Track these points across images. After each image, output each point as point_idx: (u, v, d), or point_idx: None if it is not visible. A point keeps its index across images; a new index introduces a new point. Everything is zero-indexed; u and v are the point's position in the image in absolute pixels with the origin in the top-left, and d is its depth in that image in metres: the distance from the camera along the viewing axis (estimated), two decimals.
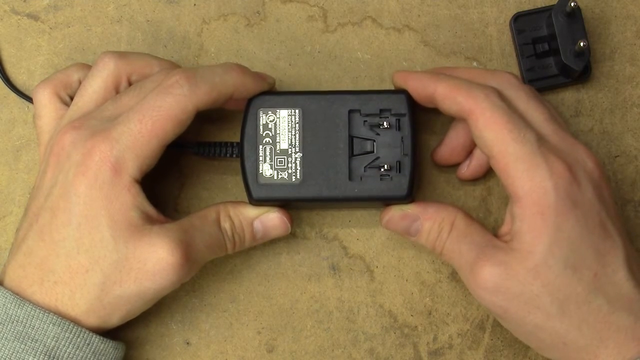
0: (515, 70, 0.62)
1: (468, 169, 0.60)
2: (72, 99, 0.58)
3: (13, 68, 0.63)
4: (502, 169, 0.53)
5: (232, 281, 0.61)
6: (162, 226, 0.54)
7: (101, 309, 0.53)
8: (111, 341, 0.55)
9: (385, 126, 0.57)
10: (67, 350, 0.53)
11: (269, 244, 0.61)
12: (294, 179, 0.56)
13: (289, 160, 0.56)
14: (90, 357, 0.53)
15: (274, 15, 0.63)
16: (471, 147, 0.59)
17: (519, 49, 0.62)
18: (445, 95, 0.54)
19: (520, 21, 0.62)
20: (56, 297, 0.53)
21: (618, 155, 0.62)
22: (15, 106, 0.63)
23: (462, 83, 0.54)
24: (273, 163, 0.56)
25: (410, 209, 0.57)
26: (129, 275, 0.53)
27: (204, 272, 0.61)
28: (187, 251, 0.53)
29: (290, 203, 0.58)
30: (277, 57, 0.63)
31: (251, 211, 0.58)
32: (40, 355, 0.52)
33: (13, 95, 0.62)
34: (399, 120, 0.57)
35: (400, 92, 0.57)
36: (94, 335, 0.53)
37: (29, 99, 0.62)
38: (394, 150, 0.57)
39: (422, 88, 0.55)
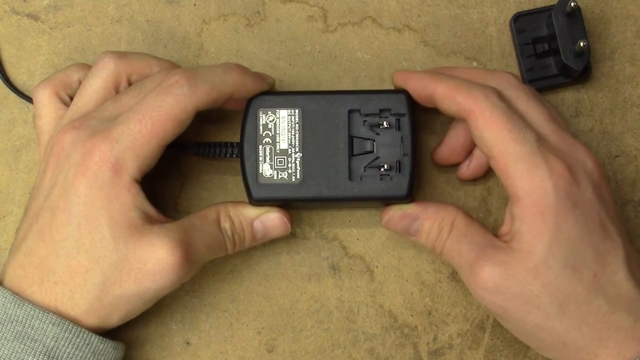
0: (515, 70, 0.62)
1: (468, 169, 0.60)
2: (72, 99, 0.58)
3: (13, 68, 0.63)
4: (501, 169, 0.53)
5: (232, 281, 0.61)
6: (162, 226, 0.54)
7: (101, 309, 0.53)
8: (111, 341, 0.55)
9: (385, 126, 0.57)
10: (67, 350, 0.53)
11: (269, 244, 0.61)
12: (293, 179, 0.56)
13: (289, 160, 0.56)
14: (90, 357, 0.53)
15: (274, 15, 0.63)
16: (471, 147, 0.59)
17: (519, 49, 0.62)
18: (445, 95, 0.54)
19: (520, 21, 0.62)
20: (56, 297, 0.53)
21: (618, 155, 0.62)
22: (15, 106, 0.63)
23: (461, 83, 0.54)
24: (273, 163, 0.56)
25: (410, 208, 0.57)
26: (128, 275, 0.53)
27: (204, 272, 0.61)
28: (187, 251, 0.53)
29: (290, 203, 0.58)
30: (277, 57, 0.63)
31: (251, 211, 0.58)
32: (39, 355, 0.52)
33: (13, 95, 0.63)
34: (398, 120, 0.57)
35: (400, 91, 0.57)
36: (94, 335, 0.53)
37: (28, 99, 0.62)
38: (394, 150, 0.57)
39: (422, 88, 0.55)
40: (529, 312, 0.52)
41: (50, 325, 0.52)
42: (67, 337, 0.53)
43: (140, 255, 0.53)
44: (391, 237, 0.62)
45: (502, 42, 0.63)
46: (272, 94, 0.57)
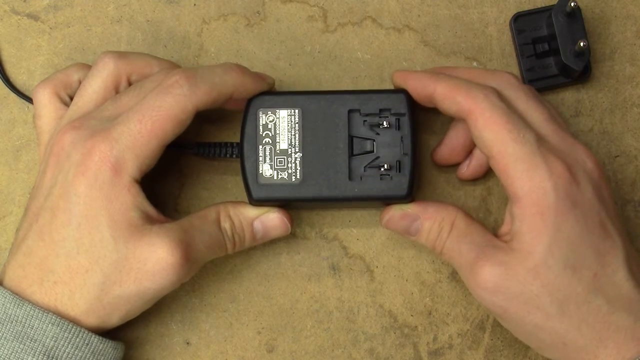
0: (515, 70, 0.62)
1: (468, 169, 0.60)
2: (72, 99, 0.58)
3: (13, 68, 0.63)
4: (501, 169, 0.53)
5: (232, 281, 0.61)
6: (162, 226, 0.54)
7: (101, 309, 0.53)
8: (110, 341, 0.55)
9: (385, 126, 0.57)
10: (66, 350, 0.53)
11: (269, 244, 0.61)
12: (293, 179, 0.56)
13: (289, 160, 0.56)
14: (89, 357, 0.53)
15: (274, 15, 0.63)
16: (471, 147, 0.59)
17: (519, 49, 0.62)
18: (445, 95, 0.54)
19: (520, 21, 0.62)
20: (56, 297, 0.53)
21: (618, 155, 0.62)
22: (15, 106, 0.63)
23: (461, 83, 0.54)
24: (273, 163, 0.56)
25: (410, 208, 0.57)
26: (128, 275, 0.53)
27: (204, 272, 0.61)
28: (186, 251, 0.53)
29: (290, 203, 0.58)
30: (277, 57, 0.63)
31: (251, 211, 0.58)
32: (39, 355, 0.52)
33: (13, 95, 0.63)
34: (398, 119, 0.57)
35: (400, 91, 0.57)
36: (93, 335, 0.53)
37: (28, 99, 0.62)
38: (394, 149, 0.57)
39: (422, 88, 0.55)
40: (528, 312, 0.52)
41: (49, 325, 0.52)
42: (67, 337, 0.53)
43: (140, 255, 0.52)
44: (391, 237, 0.62)
45: (502, 42, 0.63)
46: (272, 94, 0.57)
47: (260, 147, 0.56)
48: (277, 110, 0.56)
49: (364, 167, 0.56)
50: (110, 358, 0.55)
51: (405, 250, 0.62)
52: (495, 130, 0.52)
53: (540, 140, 0.53)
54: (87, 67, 0.59)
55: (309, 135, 0.56)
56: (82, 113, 0.56)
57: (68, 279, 0.53)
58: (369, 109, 0.56)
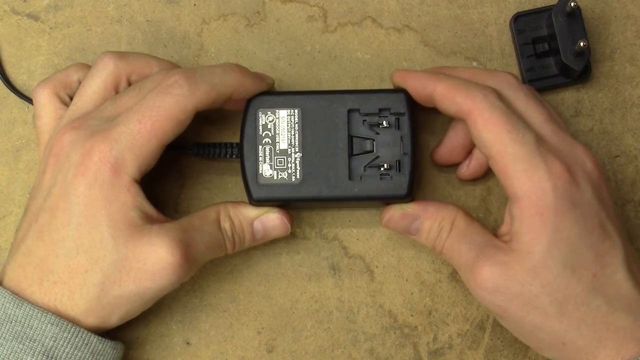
0: (515, 70, 0.62)
1: (468, 168, 0.60)
2: (71, 99, 0.58)
3: (13, 68, 0.63)
4: (500, 169, 0.53)
5: (232, 281, 0.61)
6: (162, 226, 0.54)
7: (100, 309, 0.53)
8: (109, 341, 0.55)
9: (385, 125, 0.56)
10: (66, 350, 0.53)
11: (269, 244, 0.61)
12: (293, 179, 0.56)
13: (289, 160, 0.56)
14: (89, 357, 0.53)
15: (274, 15, 0.63)
16: (471, 147, 0.59)
17: (519, 49, 0.62)
18: (444, 95, 0.54)
19: (520, 21, 0.62)
20: (55, 297, 0.53)
21: (618, 155, 0.62)
22: (15, 106, 0.63)
23: (460, 83, 0.54)
24: (273, 163, 0.56)
25: (411, 207, 0.57)
26: (128, 275, 0.53)
27: (204, 272, 0.61)
28: (186, 251, 0.53)
29: (290, 203, 0.58)
30: (277, 57, 0.63)
31: (251, 211, 0.58)
32: (38, 355, 0.52)
33: (13, 95, 0.63)
34: (398, 119, 0.57)
35: (400, 91, 0.57)
36: (93, 335, 0.53)
37: (28, 99, 0.62)
38: (394, 149, 0.57)
39: (421, 88, 0.55)
40: (528, 312, 0.52)
41: (49, 325, 0.52)
42: (66, 337, 0.53)
43: (140, 255, 0.53)
44: (391, 237, 0.62)
45: (502, 42, 0.63)
46: (272, 94, 0.57)
47: (260, 147, 0.56)
48: (277, 110, 0.56)
49: (364, 166, 0.56)
50: (110, 358, 0.55)
51: (405, 250, 0.62)
52: (494, 130, 0.52)
53: (539, 141, 0.53)
54: (87, 67, 0.59)
55: (309, 135, 0.56)
56: (82, 113, 0.56)
57: (67, 278, 0.53)
58: (368, 108, 0.56)
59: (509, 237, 0.54)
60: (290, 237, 0.61)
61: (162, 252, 0.52)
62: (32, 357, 0.52)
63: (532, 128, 0.53)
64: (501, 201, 0.62)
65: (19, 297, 0.53)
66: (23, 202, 0.62)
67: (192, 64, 0.63)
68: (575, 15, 0.59)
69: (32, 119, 0.62)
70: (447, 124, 0.60)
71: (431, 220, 0.57)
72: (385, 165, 0.56)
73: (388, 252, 0.62)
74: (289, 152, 0.56)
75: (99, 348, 0.54)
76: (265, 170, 0.56)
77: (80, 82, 0.58)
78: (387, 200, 0.58)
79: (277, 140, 0.56)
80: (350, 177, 0.56)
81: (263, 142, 0.56)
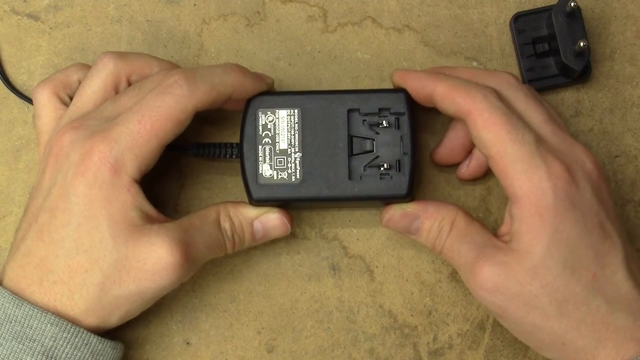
0: (515, 70, 0.62)
1: (467, 168, 0.60)
2: (71, 99, 0.58)
3: (13, 68, 0.63)
4: (500, 169, 0.53)
5: (232, 281, 0.61)
6: (162, 225, 0.54)
7: (100, 309, 0.53)
8: (109, 341, 0.55)
9: (385, 125, 0.56)
10: (65, 351, 0.53)
11: (269, 244, 0.61)
12: (293, 179, 0.56)
13: (289, 160, 0.56)
14: (88, 357, 0.53)
15: (274, 15, 0.63)
16: (470, 147, 0.59)
17: (519, 49, 0.62)
18: (444, 95, 0.54)
19: (520, 21, 0.62)
20: (55, 297, 0.53)
21: (618, 155, 0.62)
22: (15, 106, 0.63)
23: (460, 83, 0.54)
24: (273, 163, 0.56)
25: (411, 207, 0.57)
26: (128, 275, 0.53)
27: (204, 272, 0.61)
28: (186, 251, 0.53)
29: (290, 203, 0.58)
30: (277, 57, 0.63)
31: (251, 211, 0.58)
32: (38, 355, 0.52)
33: (13, 95, 0.63)
34: (398, 119, 0.57)
35: (399, 91, 0.57)
36: (92, 335, 0.53)
37: (28, 99, 0.62)
38: (394, 149, 0.57)
39: (421, 88, 0.55)
40: (528, 313, 0.52)
41: (48, 325, 0.52)
42: (66, 337, 0.53)
43: (140, 255, 0.53)
44: (391, 237, 0.62)
45: (502, 42, 0.63)
46: (271, 94, 0.57)
47: (260, 147, 0.56)
48: (277, 110, 0.56)
49: (364, 166, 0.56)
50: (110, 358, 0.55)
51: (405, 250, 0.62)
52: (494, 130, 0.52)
53: (539, 141, 0.53)
54: (87, 67, 0.59)
55: (309, 135, 0.56)
56: (82, 113, 0.56)
57: (67, 278, 0.53)
58: (368, 108, 0.56)
59: (509, 237, 0.54)
60: (290, 237, 0.61)
61: (162, 252, 0.52)
62: (32, 357, 0.52)
63: (532, 128, 0.53)
64: (501, 201, 0.62)
65: (19, 297, 0.53)
66: (23, 202, 0.62)
67: (192, 64, 0.63)
68: (575, 15, 0.59)
69: (32, 119, 0.62)
70: (447, 124, 0.60)
71: (431, 220, 0.57)
72: (385, 165, 0.56)
73: (388, 252, 0.62)
74: (289, 152, 0.56)
75: (99, 348, 0.54)
76: (265, 170, 0.56)
77: (80, 82, 0.58)
78: (387, 200, 0.57)
79: (277, 140, 0.56)
80: (350, 177, 0.56)
81: (263, 142, 0.56)
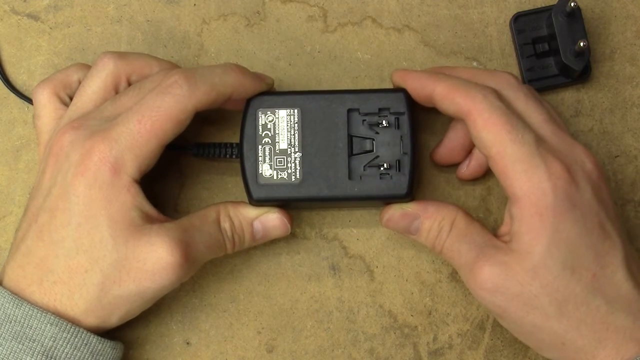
0: (515, 70, 0.62)
1: (467, 168, 0.60)
2: (71, 99, 0.58)
3: (13, 68, 0.63)
4: (500, 170, 0.53)
5: (232, 281, 0.61)
6: (162, 225, 0.54)
7: (100, 309, 0.53)
8: (109, 341, 0.55)
9: (385, 125, 0.56)
10: (65, 351, 0.53)
11: (269, 244, 0.61)
12: (293, 179, 0.56)
13: (289, 160, 0.56)
14: (88, 357, 0.53)
15: (274, 15, 0.63)
16: (470, 147, 0.59)
17: (519, 49, 0.62)
18: (444, 95, 0.54)
19: (520, 21, 0.62)
20: (55, 297, 0.53)
21: (618, 155, 0.62)
22: (15, 106, 0.63)
23: (460, 83, 0.54)
24: (272, 163, 0.56)
25: (411, 207, 0.57)
26: (128, 275, 0.53)
27: (204, 272, 0.61)
28: (186, 251, 0.53)
29: (290, 203, 0.58)
30: (277, 57, 0.63)
31: (251, 211, 0.58)
32: (37, 355, 0.52)
33: (13, 95, 0.63)
34: (398, 118, 0.57)
35: (399, 90, 0.57)
36: (92, 335, 0.53)
37: (28, 99, 0.62)
38: (394, 148, 0.57)
39: (421, 88, 0.55)
40: (528, 313, 0.52)
41: (48, 325, 0.52)
42: (66, 337, 0.53)
43: (140, 255, 0.53)
44: (391, 237, 0.62)
45: (502, 42, 0.63)
46: (271, 94, 0.57)
47: (260, 147, 0.56)
48: (277, 110, 0.56)
49: (364, 166, 0.56)
50: (110, 358, 0.55)
51: (405, 250, 0.62)
52: (494, 130, 0.52)
53: (539, 141, 0.53)
54: (87, 67, 0.59)
55: (309, 135, 0.56)
56: (82, 113, 0.56)
57: (67, 278, 0.53)
58: (368, 108, 0.56)
59: (509, 237, 0.54)
60: (290, 237, 0.61)
61: (162, 252, 0.52)
62: (32, 357, 0.52)
63: (531, 128, 0.53)
64: (501, 201, 0.62)
65: (19, 297, 0.53)
66: (23, 202, 0.62)
67: (192, 64, 0.63)
68: (575, 15, 0.59)
69: (32, 119, 0.62)
70: (447, 124, 0.60)
71: (431, 220, 0.57)
72: (385, 165, 0.56)
73: (388, 252, 0.61)
74: (289, 152, 0.56)
75: (99, 348, 0.54)
76: (265, 170, 0.56)
77: (80, 82, 0.58)
78: (387, 199, 0.57)
79: (276, 140, 0.56)
80: (350, 177, 0.56)
81: (263, 142, 0.56)
